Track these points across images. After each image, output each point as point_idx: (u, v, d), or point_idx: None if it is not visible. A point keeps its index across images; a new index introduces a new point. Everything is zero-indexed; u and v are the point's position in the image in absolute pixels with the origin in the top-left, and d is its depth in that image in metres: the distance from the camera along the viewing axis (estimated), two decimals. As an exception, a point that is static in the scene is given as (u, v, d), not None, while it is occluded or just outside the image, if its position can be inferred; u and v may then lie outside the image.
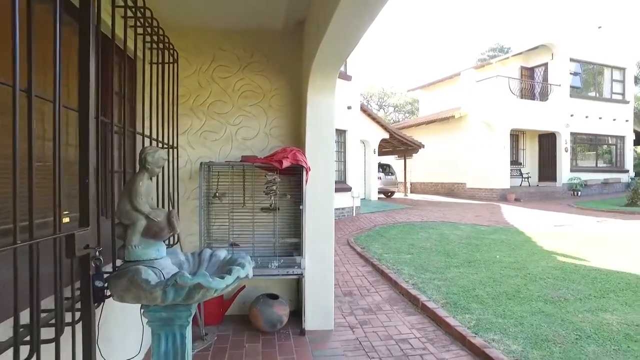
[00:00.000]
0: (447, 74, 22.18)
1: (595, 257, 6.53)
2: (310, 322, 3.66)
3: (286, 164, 3.37)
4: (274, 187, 3.50)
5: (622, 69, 20.25)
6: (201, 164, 3.55)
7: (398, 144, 18.74)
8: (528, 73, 19.20)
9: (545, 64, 18.49)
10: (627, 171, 20.46)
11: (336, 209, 11.41)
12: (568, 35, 17.98)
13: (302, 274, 3.50)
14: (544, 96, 18.17)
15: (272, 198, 3.59)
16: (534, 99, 18.05)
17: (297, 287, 4.03)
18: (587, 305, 4.27)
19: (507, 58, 19.22)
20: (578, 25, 18.29)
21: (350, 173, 11.85)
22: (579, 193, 17.29)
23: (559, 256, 6.62)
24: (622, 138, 20.35)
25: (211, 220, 3.77)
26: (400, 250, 7.21)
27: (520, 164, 19.34)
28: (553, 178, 18.45)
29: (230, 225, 3.81)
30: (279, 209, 3.81)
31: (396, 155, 22.62)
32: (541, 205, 14.73)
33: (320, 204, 3.66)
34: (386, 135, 16.64)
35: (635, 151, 22.72)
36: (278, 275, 3.46)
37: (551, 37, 17.72)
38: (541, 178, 19.28)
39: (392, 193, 19.38)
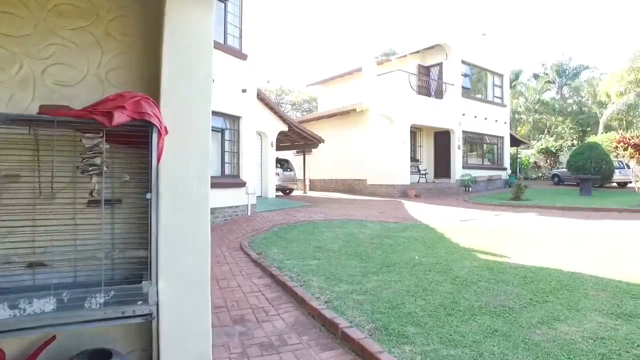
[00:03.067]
0: (347, 69, 21.83)
1: (513, 252, 6.03)
2: (172, 388, 2.17)
3: (120, 118, 1.83)
4: (98, 161, 1.94)
5: (501, 75, 21.95)
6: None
7: (297, 138, 17.67)
8: (425, 72, 19.63)
9: (440, 64, 19.05)
10: (506, 169, 22.26)
11: (229, 207, 9.86)
12: (459, 37, 18.71)
13: (151, 315, 1.98)
14: (439, 94, 18.66)
15: (94, 180, 2.01)
16: (430, 97, 18.40)
17: (150, 330, 2.48)
18: (536, 315, 3.46)
19: (405, 56, 19.43)
20: (467, 29, 19.19)
21: (245, 167, 10.34)
22: (470, 189, 18.06)
23: (478, 253, 5.99)
24: (502, 138, 22.06)
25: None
26: (304, 254, 5.97)
27: (418, 160, 19.67)
28: (447, 174, 19.07)
29: (30, 231, 2.13)
30: (120, 202, 2.25)
31: (295, 151, 21.61)
32: (440, 201, 14.86)
33: (189, 193, 2.19)
34: (285, 128, 15.42)
35: (511, 152, 24.91)
36: (105, 320, 1.90)
37: (445, 38, 18.23)
38: (437, 174, 19.85)
39: (291, 190, 18.26)
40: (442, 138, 19.62)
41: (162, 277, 2.07)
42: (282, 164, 17.91)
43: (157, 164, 1.99)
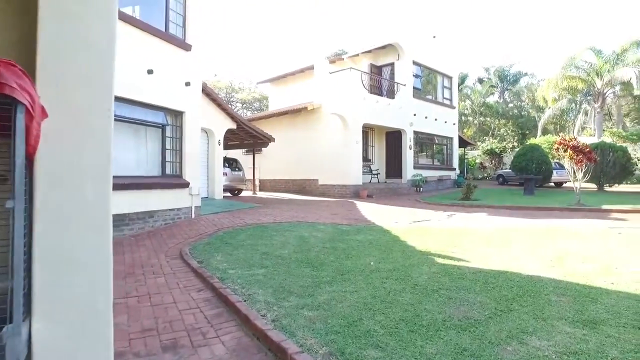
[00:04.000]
0: (299, 67, 21.37)
1: (470, 255, 5.84)
2: None
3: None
4: None
5: (450, 77, 22.46)
6: None
7: (246, 137, 16.97)
8: (377, 71, 19.60)
9: (392, 64, 19.10)
10: (455, 169, 22.81)
11: (170, 210, 9.05)
12: (410, 38, 18.85)
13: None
14: (391, 94, 18.66)
15: None
16: (382, 96, 18.35)
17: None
18: (504, 328, 3.17)
19: (357, 55, 19.28)
20: (418, 31, 19.40)
21: (189, 166, 9.56)
22: (421, 189, 18.22)
23: (436, 257, 5.74)
24: (451, 139, 22.58)
25: None
26: (251, 262, 5.43)
27: (370, 160, 19.59)
28: (399, 175, 19.13)
29: None
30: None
31: (244, 150, 20.85)
32: (392, 201, 14.77)
33: (81, 201, 1.62)
34: (233, 126, 14.69)
35: (459, 153, 25.61)
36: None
37: (397, 38, 18.27)
38: (388, 175, 19.87)
39: (240, 191, 17.51)
40: (393, 138, 19.68)
41: (39, 316, 1.48)
42: (231, 163, 17.13)
43: (29, 157, 1.41)
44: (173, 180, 9.06)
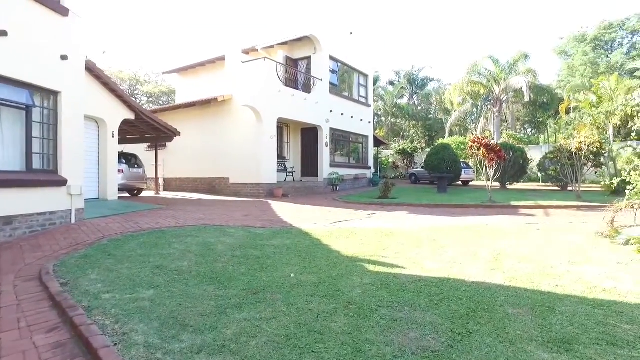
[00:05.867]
0: (210, 57, 19.74)
1: (402, 260, 5.19)
2: None
3: None
4: None
5: (366, 76, 22.46)
6: None
7: (148, 130, 15.05)
8: (293, 64, 18.75)
9: (309, 58, 18.39)
10: (370, 168, 22.87)
11: (39, 214, 7.09)
12: (328, 32, 18.33)
13: None
14: (307, 88, 17.93)
15: None
16: (298, 90, 17.53)
17: None
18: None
19: (273, 47, 18.28)
20: (335, 25, 18.98)
21: (68, 160, 7.76)
22: (338, 187, 17.78)
23: (366, 264, 4.98)
24: (367, 138, 22.58)
25: None
26: (137, 280, 4.18)
27: (285, 158, 18.67)
28: (315, 173, 18.48)
29: None
30: None
31: (147, 145, 18.70)
32: (309, 201, 14.01)
33: None
34: (131, 116, 12.80)
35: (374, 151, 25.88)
36: None
37: (314, 31, 17.58)
38: (304, 173, 19.13)
39: (140, 191, 15.51)
40: (309, 135, 19.01)
41: None
42: (129, 159, 15.05)
43: None
44: (43, 176, 7.26)
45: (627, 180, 6.89)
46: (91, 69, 10.29)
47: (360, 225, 8.42)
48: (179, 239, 6.44)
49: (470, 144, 13.09)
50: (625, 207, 6.65)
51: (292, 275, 4.48)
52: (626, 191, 6.85)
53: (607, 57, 38.89)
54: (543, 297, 3.72)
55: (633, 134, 20.79)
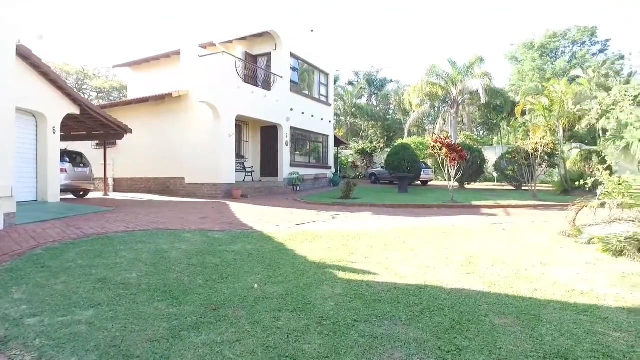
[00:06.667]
0: (165, 51, 18.72)
1: (374, 265, 4.87)
2: None
3: None
4: None
5: (327, 74, 22.19)
6: None
7: (96, 126, 13.98)
8: (252, 60, 18.11)
9: (269, 54, 17.83)
10: (330, 167, 22.62)
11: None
12: (289, 28, 17.85)
13: None
14: (267, 85, 17.36)
15: None
16: (258, 86, 16.92)
17: None
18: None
19: (231, 42, 17.58)
20: (296, 21, 18.56)
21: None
22: (298, 188, 17.36)
23: (335, 271, 4.61)
24: (327, 137, 22.31)
25: None
26: (74, 298, 3.58)
27: (244, 157, 17.99)
28: (275, 173, 17.94)
29: None
30: None
31: (95, 143, 17.46)
32: (269, 202, 13.49)
33: None
34: (75, 111, 11.77)
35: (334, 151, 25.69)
36: None
37: (274, 26, 17.04)
38: (263, 173, 18.54)
39: (86, 192, 14.37)
40: (269, 133, 18.45)
41: None
42: (74, 157, 13.90)
43: None
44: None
45: (600, 181, 6.97)
46: (26, 56, 9.27)
47: (325, 228, 8.05)
48: (127, 245, 5.79)
49: (432, 143, 13.11)
50: (594, 206, 6.71)
51: (256, 286, 4.03)
52: (597, 191, 6.95)
53: (552, 64, 41.10)
54: (526, 304, 3.52)
55: (572, 140, 22.04)
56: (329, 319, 3.16)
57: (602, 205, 6.84)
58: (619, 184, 6.05)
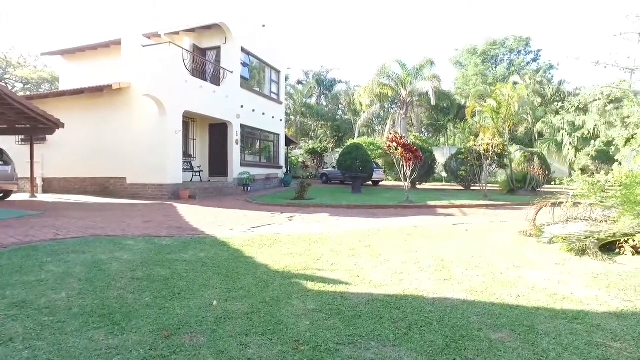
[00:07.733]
0: (104, 40, 17.24)
1: (343, 273, 4.44)
2: None
3: None
4: None
5: (278, 72, 21.62)
6: None
7: (19, 119, 12.47)
8: (201, 54, 17.14)
9: (219, 48, 16.95)
10: (282, 167, 22.07)
11: None
12: (239, 22, 17.08)
13: None
14: (216, 80, 16.46)
15: None
16: (207, 81, 16.00)
17: None
18: None
19: (178, 33, 16.53)
20: (247, 15, 17.84)
21: None
22: (249, 188, 16.64)
23: (302, 281, 4.12)
24: (278, 136, 21.74)
25: None
26: (-19, 330, 2.82)
27: (191, 156, 16.97)
28: (224, 172, 17.08)
29: None
30: None
31: (19, 138, 15.69)
32: (220, 203, 12.72)
33: None
34: (-6, 101, 10.36)
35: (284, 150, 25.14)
36: None
37: (224, 19, 16.19)
38: (212, 172, 17.60)
39: (8, 193, 12.79)
40: (218, 131, 17.55)
41: None
42: (-8, 154, 12.31)
43: None
44: None
45: (573, 179, 7.03)
46: None
47: (283, 231, 7.55)
48: (56, 257, 4.94)
49: (388, 143, 12.99)
50: (571, 205, 6.76)
51: (215, 302, 3.46)
52: (570, 191, 7.03)
53: (494, 69, 43.30)
54: (515, 313, 3.27)
55: (512, 143, 23.14)
56: (306, 342, 2.68)
57: (560, 204, 6.93)
58: (592, 185, 6.09)
